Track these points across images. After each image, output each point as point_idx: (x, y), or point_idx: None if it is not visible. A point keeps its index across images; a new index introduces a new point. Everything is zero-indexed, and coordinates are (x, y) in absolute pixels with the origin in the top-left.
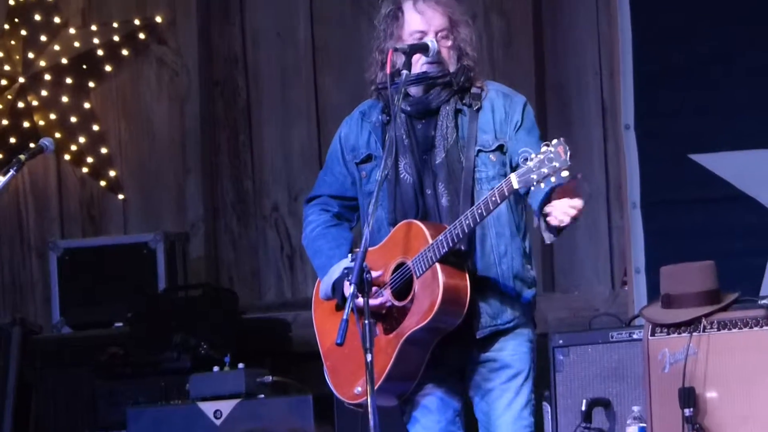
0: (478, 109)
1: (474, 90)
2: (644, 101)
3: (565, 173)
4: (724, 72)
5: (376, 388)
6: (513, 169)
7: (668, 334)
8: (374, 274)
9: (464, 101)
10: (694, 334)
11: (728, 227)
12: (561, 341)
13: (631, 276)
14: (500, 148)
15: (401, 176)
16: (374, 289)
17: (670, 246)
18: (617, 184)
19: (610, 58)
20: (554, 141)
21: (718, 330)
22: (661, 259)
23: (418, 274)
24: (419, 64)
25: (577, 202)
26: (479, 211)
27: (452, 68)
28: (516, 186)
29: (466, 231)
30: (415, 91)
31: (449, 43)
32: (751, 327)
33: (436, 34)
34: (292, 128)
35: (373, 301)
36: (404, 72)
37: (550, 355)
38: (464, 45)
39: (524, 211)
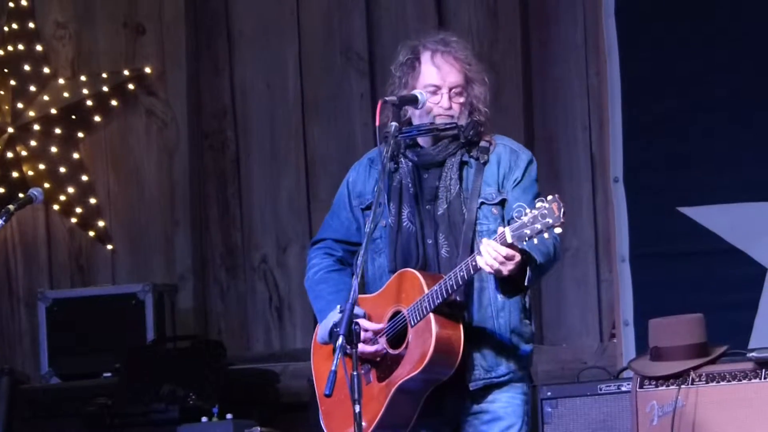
0: (485, 163)
1: (483, 144)
2: (633, 154)
3: (558, 230)
4: (714, 125)
5: None
6: (507, 224)
7: (657, 386)
8: (372, 325)
9: (472, 154)
10: (683, 386)
11: (717, 280)
12: (549, 393)
13: (619, 328)
14: (502, 203)
15: (404, 224)
16: (370, 336)
17: (659, 299)
18: (606, 237)
19: (599, 111)
20: (549, 197)
21: (707, 383)
22: (649, 312)
23: (413, 324)
24: (428, 114)
25: (502, 248)
26: (473, 263)
27: (463, 123)
28: (510, 240)
29: (461, 283)
30: (423, 141)
31: (461, 99)
32: (739, 380)
33: (450, 90)
34: (281, 180)
35: (368, 348)
36: (392, 124)
37: (539, 407)
38: (476, 102)
39: None
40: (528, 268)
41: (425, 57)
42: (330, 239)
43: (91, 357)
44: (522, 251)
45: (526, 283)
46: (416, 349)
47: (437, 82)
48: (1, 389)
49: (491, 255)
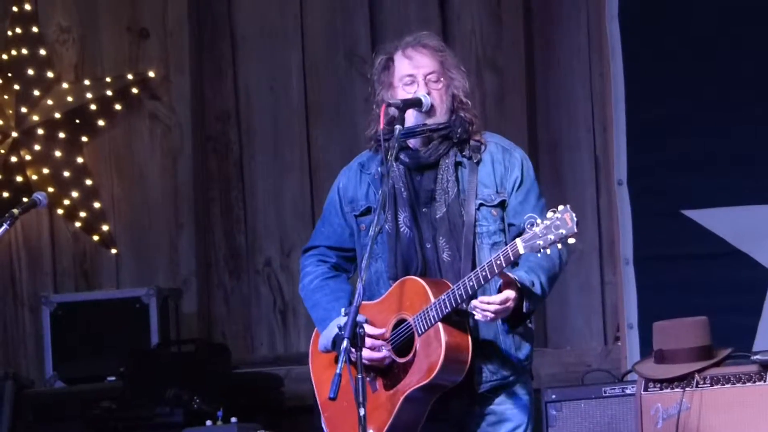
0: (478, 162)
1: (473, 142)
2: (637, 157)
3: (572, 240)
4: (718, 128)
5: None
6: (509, 227)
7: (661, 389)
8: (375, 331)
9: (464, 153)
10: (687, 389)
11: (721, 283)
12: (554, 396)
13: (623, 331)
14: (501, 204)
15: (401, 230)
16: (376, 344)
17: (663, 302)
18: (610, 239)
19: (602, 114)
20: (560, 207)
21: (711, 385)
22: (653, 315)
23: (420, 332)
24: (416, 115)
25: (495, 297)
26: (483, 273)
27: (445, 114)
28: (522, 251)
29: (470, 292)
30: (413, 143)
31: (439, 86)
32: (743, 383)
33: (425, 77)
34: (285, 183)
35: (374, 355)
36: (397, 127)
37: (543, 410)
38: (458, 92)
39: None
40: (525, 299)
41: (397, 54)
42: (323, 246)
43: (96, 361)
44: (518, 285)
45: (525, 310)
46: (425, 358)
47: (411, 71)
48: (5, 393)
49: (487, 310)
